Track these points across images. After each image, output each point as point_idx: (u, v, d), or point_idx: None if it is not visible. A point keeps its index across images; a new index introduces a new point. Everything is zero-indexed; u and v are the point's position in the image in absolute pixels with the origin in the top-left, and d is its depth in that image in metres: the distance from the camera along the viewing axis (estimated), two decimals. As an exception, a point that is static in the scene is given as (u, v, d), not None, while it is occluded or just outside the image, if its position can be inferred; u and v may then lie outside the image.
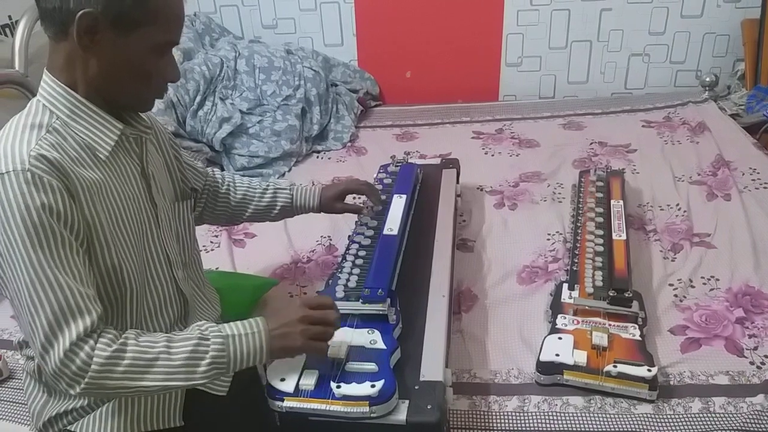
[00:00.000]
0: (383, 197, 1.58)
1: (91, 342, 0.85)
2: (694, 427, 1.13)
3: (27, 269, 0.82)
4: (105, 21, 0.85)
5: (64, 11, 0.85)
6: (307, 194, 1.41)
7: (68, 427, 1.01)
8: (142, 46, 0.88)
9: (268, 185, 1.40)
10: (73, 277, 0.85)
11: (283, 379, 1.04)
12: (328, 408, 1.00)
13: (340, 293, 1.23)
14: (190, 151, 2.12)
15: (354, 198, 1.56)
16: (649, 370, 1.16)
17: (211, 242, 1.81)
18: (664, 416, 1.15)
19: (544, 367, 1.23)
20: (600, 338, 1.24)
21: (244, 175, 2.17)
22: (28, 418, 1.20)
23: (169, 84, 0.99)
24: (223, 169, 2.21)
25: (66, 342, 0.83)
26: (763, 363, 1.25)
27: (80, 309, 0.84)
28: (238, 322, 0.96)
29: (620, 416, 1.16)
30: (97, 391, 0.86)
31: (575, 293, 1.39)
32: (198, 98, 2.25)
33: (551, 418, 1.17)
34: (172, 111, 2.19)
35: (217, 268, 1.65)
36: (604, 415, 1.16)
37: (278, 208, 1.39)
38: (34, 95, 1.73)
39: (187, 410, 1.03)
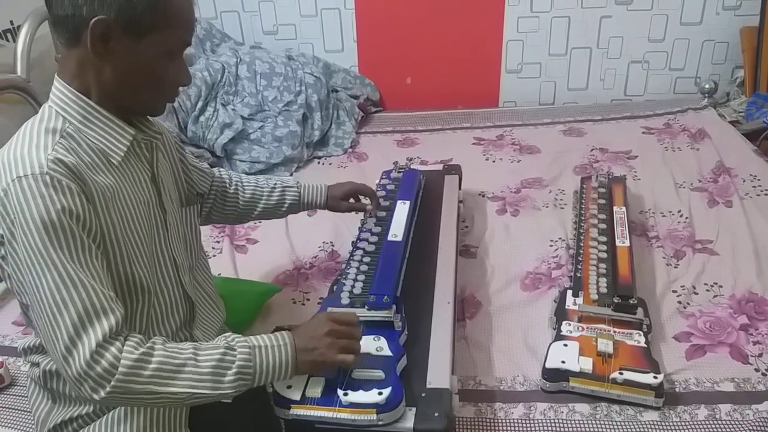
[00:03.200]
0: (386, 203, 1.58)
1: (118, 344, 0.83)
2: (700, 434, 1.13)
3: (50, 270, 0.81)
4: (118, 27, 0.85)
5: (77, 18, 0.85)
6: (314, 192, 1.44)
7: (73, 435, 1.01)
8: (155, 51, 0.89)
9: (275, 183, 1.42)
10: (94, 278, 0.84)
11: (289, 387, 1.03)
12: (335, 416, 0.99)
13: (345, 300, 1.22)
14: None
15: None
16: (655, 377, 1.16)
17: (213, 248, 1.80)
18: (671, 423, 1.15)
19: (549, 374, 1.23)
20: (605, 345, 1.24)
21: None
22: (31, 426, 1.19)
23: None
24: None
25: (92, 342, 0.81)
26: (768, 370, 1.26)
27: (104, 309, 0.83)
28: (264, 336, 0.95)
29: (626, 423, 1.15)
30: (122, 396, 0.83)
31: (580, 300, 1.39)
32: (199, 104, 2.25)
33: (557, 425, 1.17)
34: (173, 116, 2.19)
35: (219, 274, 1.65)
36: (610, 422, 1.16)
37: (286, 205, 1.42)
38: (36, 100, 1.72)
39: (193, 418, 1.03)
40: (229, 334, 0.95)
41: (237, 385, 0.90)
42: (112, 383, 0.81)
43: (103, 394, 0.82)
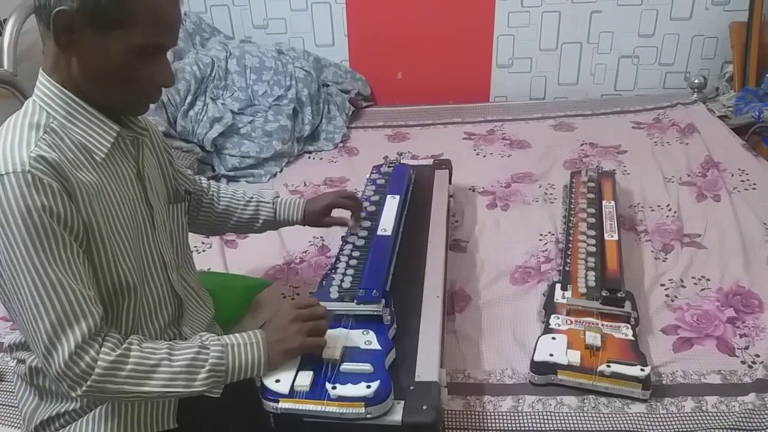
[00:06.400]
0: (376, 198, 1.58)
1: (96, 345, 0.85)
2: (686, 425, 1.14)
3: (29, 271, 0.82)
4: (82, 20, 0.83)
5: (46, 8, 0.83)
6: (290, 208, 1.37)
7: (60, 431, 1.00)
8: (121, 48, 0.85)
9: (251, 197, 1.36)
10: (75, 278, 0.84)
11: (278, 380, 1.03)
12: (323, 409, 0.99)
13: (334, 294, 1.22)
14: (181, 151, 2.11)
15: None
16: (642, 370, 1.17)
17: (203, 243, 1.79)
18: (658, 415, 1.16)
19: (538, 367, 1.23)
20: (593, 338, 1.25)
21: (235, 176, 2.18)
22: (19, 421, 1.19)
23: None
24: (214, 170, 2.20)
25: (71, 344, 0.83)
26: (754, 362, 1.26)
27: (83, 311, 0.84)
28: (237, 334, 0.97)
29: (614, 415, 1.16)
30: (98, 395, 0.86)
31: (568, 293, 1.40)
32: (189, 98, 2.24)
33: (545, 417, 1.17)
34: (162, 111, 2.17)
35: (209, 269, 1.64)
36: (597, 415, 1.17)
37: (261, 221, 1.36)
38: (23, 94, 1.70)
39: (181, 413, 1.03)
40: (204, 333, 0.97)
41: (210, 383, 0.92)
42: (88, 383, 0.84)
43: (79, 392, 0.85)
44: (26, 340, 0.88)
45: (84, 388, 0.84)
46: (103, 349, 0.85)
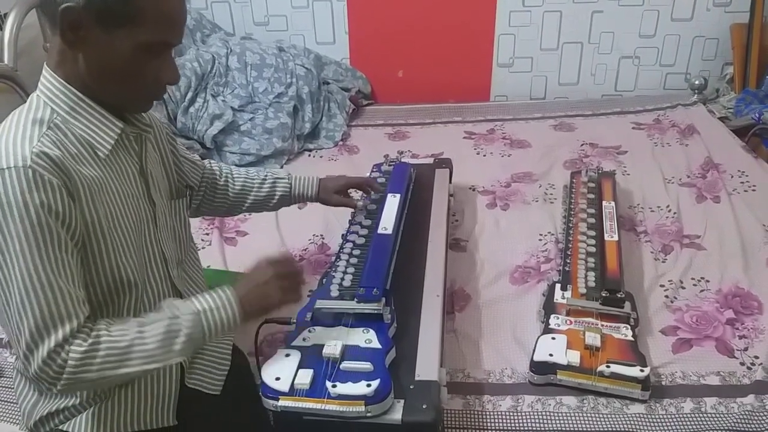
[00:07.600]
0: (377, 196, 1.58)
1: (68, 346, 0.84)
2: (685, 426, 1.14)
3: (20, 268, 0.81)
4: (89, 16, 0.83)
5: (52, 4, 0.83)
6: (305, 184, 1.42)
7: (60, 427, 1.00)
8: (128, 45, 0.85)
9: (266, 175, 1.40)
10: (66, 278, 0.84)
11: (278, 378, 1.03)
12: (323, 407, 1.00)
13: (334, 292, 1.22)
14: (181, 147, 2.11)
15: (355, 191, 1.59)
16: (642, 371, 1.17)
17: (203, 240, 1.79)
18: (657, 416, 1.16)
19: (537, 367, 1.23)
20: (593, 338, 1.25)
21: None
22: (18, 418, 1.18)
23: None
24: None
25: (51, 345, 0.82)
26: (753, 364, 1.27)
27: (68, 313, 0.84)
28: (207, 296, 0.95)
29: (613, 416, 1.17)
30: (78, 386, 0.86)
31: (568, 293, 1.40)
32: (189, 95, 2.23)
33: (545, 417, 1.18)
34: (163, 107, 2.17)
35: (208, 266, 1.64)
36: (597, 415, 1.17)
37: (277, 197, 1.40)
38: (23, 89, 1.70)
39: (181, 409, 1.03)
40: (171, 299, 0.96)
41: (189, 350, 0.91)
42: (63, 380, 0.84)
43: (58, 387, 0.85)
44: (9, 336, 0.87)
45: (61, 384, 0.84)
46: (73, 345, 0.84)
